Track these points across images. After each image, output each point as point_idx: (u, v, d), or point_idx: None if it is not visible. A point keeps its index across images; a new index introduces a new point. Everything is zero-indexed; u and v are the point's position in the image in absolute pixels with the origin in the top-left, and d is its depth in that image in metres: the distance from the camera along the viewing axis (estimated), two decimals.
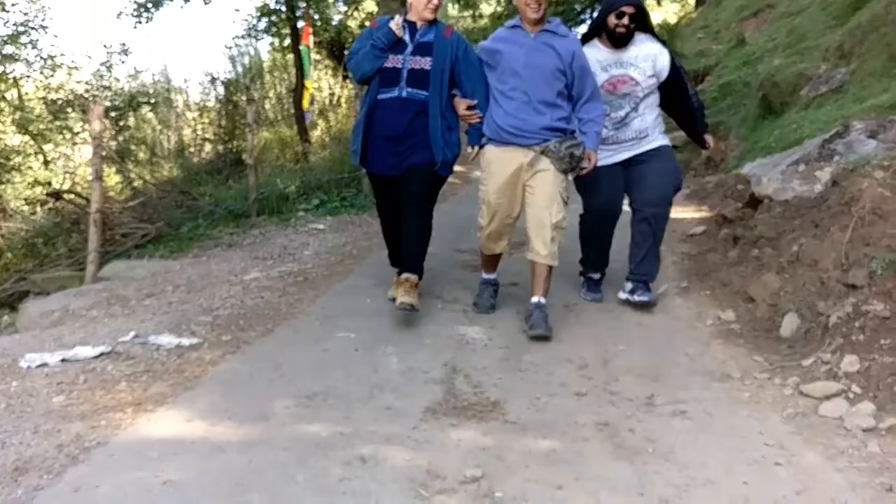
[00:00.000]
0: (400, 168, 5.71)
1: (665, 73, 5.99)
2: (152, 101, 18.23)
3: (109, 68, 17.04)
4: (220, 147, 18.11)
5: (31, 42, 17.02)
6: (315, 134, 17.66)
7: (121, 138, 16.37)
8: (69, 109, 16.04)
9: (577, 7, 29.10)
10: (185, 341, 5.38)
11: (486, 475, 3.51)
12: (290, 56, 18.39)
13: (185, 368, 4.90)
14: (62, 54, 16.86)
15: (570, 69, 5.50)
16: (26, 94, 17.36)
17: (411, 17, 5.71)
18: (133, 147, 16.95)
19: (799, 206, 6.06)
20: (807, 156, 6.46)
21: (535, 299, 5.56)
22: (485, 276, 6.14)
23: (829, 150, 6.28)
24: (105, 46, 16.69)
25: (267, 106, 20.57)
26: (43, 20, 17.17)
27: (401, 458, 3.68)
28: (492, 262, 6.06)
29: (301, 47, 16.07)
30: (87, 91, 16.44)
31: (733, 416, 4.20)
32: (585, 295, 6.44)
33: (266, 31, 19.04)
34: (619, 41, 5.91)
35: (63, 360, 5.01)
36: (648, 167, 5.98)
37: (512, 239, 6.01)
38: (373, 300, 6.31)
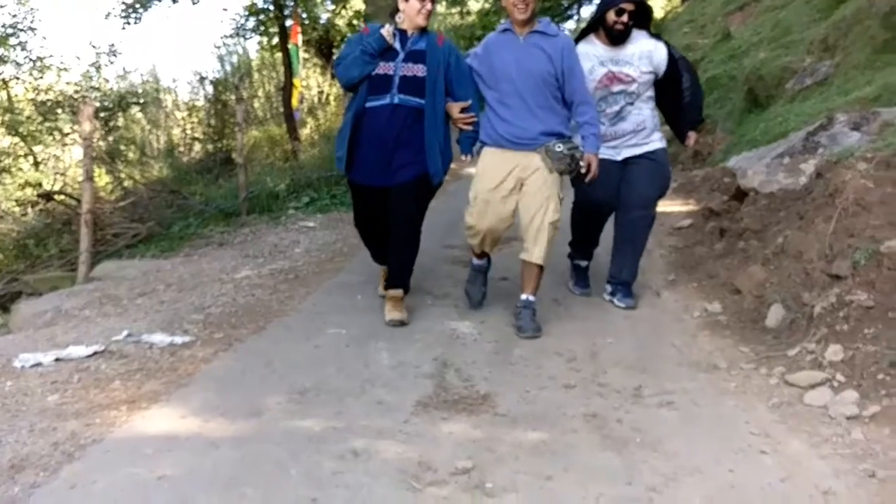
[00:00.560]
0: (387, 178, 5.65)
1: (663, 68, 5.92)
2: (141, 101, 18.20)
3: (98, 69, 17.01)
4: (210, 146, 18.12)
5: (20, 44, 17.00)
6: (304, 132, 17.69)
7: (110, 138, 16.37)
8: (59, 110, 16.01)
9: (565, 3, 29.19)
10: (178, 339, 5.42)
11: (476, 467, 3.56)
12: (279, 55, 18.39)
13: (178, 366, 4.94)
14: (51, 56, 16.82)
15: (560, 70, 5.45)
16: (16, 95, 17.33)
17: (402, 25, 5.63)
18: (122, 147, 16.94)
19: (784, 198, 6.13)
20: (791, 148, 6.54)
21: (524, 297, 5.60)
22: (475, 262, 6.04)
23: (813, 143, 6.35)
24: (94, 47, 16.65)
25: (256, 105, 20.60)
26: (32, 22, 17.16)
27: (393, 451, 3.73)
28: (481, 253, 5.98)
29: (289, 46, 16.08)
30: (76, 92, 16.42)
31: (720, 405, 4.26)
32: (574, 288, 6.48)
33: (254, 30, 19.02)
34: (617, 38, 5.84)
35: (57, 360, 5.04)
36: (639, 168, 5.98)
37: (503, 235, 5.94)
38: (363, 297, 6.35)
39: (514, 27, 5.53)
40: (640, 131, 5.99)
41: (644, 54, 5.88)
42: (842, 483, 3.38)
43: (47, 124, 15.97)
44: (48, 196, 11.06)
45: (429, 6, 5.55)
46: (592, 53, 5.86)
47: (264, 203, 11.00)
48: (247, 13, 18.27)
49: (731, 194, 7.52)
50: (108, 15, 16.22)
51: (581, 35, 6.04)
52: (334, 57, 5.93)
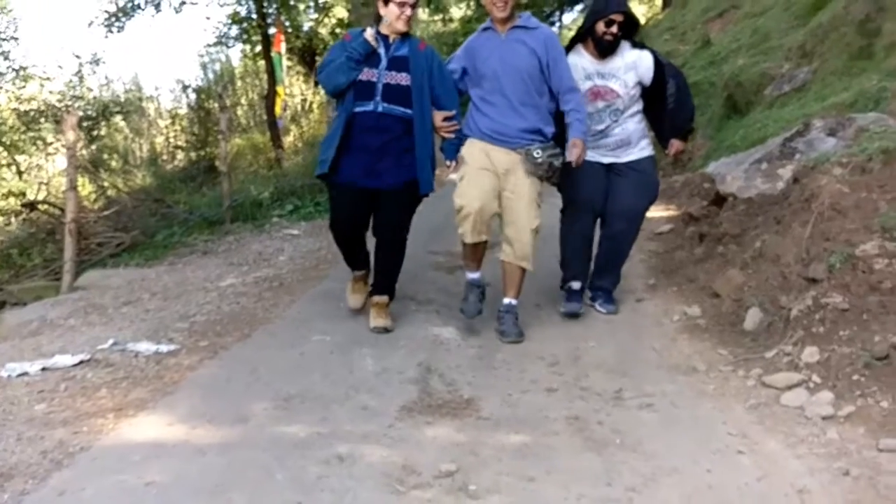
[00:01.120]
0: (374, 181, 5.59)
1: (650, 76, 5.86)
2: (125, 110, 18.19)
3: (81, 79, 17.00)
4: (193, 154, 18.15)
5: (2, 53, 16.99)
6: (288, 140, 17.75)
7: (93, 147, 16.35)
8: (42, 120, 16.00)
9: (547, 9, 29.28)
10: (164, 348, 5.46)
11: (460, 469, 3.62)
12: (262, 63, 18.42)
13: (163, 374, 4.98)
14: (34, 65, 16.76)
15: (545, 62, 5.44)
16: None
17: (383, 29, 5.58)
18: (106, 156, 16.94)
19: (762, 203, 6.20)
20: (769, 154, 6.61)
21: (507, 300, 5.66)
22: (469, 275, 5.78)
23: (790, 149, 6.42)
24: (77, 57, 16.63)
25: (239, 112, 20.64)
26: (14, 31, 17.16)
27: (377, 455, 3.79)
28: (475, 255, 5.70)
29: (273, 54, 16.15)
30: (59, 101, 16.41)
31: (698, 407, 4.34)
32: (563, 307, 6.12)
33: (237, 38, 19.04)
34: (606, 49, 5.81)
35: (43, 369, 5.07)
36: (626, 180, 5.95)
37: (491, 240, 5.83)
38: (347, 304, 6.38)
39: (495, 25, 5.55)
40: (625, 145, 5.97)
41: (629, 66, 5.84)
42: (816, 481, 3.45)
43: (31, 134, 15.94)
44: (32, 206, 11.05)
45: (408, 11, 5.50)
46: (580, 65, 5.82)
47: (248, 211, 11.03)
48: (230, 21, 18.30)
49: (710, 199, 7.59)
50: (90, 24, 16.24)
51: (569, 45, 5.99)
52: (318, 65, 5.87)
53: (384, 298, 5.83)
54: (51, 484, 3.55)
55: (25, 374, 5.02)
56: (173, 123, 19.74)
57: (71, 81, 16.90)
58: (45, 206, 10.98)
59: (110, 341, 5.56)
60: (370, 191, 5.61)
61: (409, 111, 5.56)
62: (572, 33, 6.13)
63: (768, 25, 12.81)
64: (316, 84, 18.07)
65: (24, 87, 16.92)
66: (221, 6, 18.35)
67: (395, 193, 5.64)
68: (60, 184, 13.77)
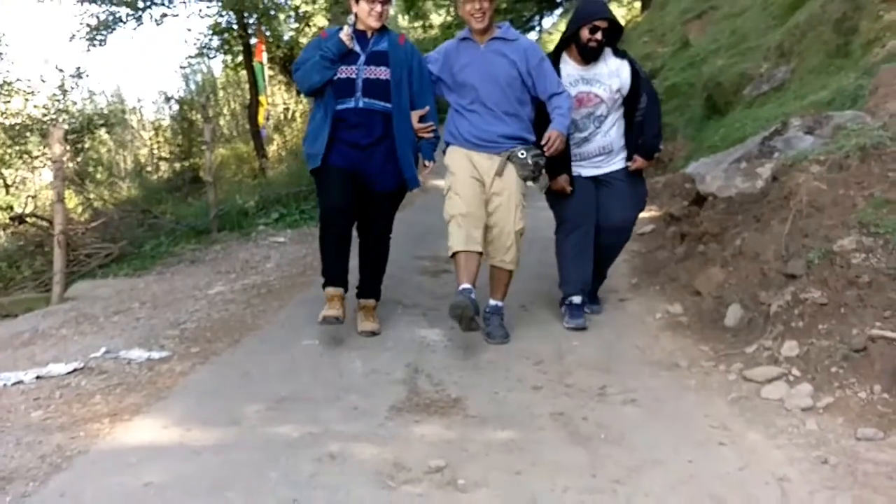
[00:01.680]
0: (362, 174, 5.58)
1: (627, 87, 5.87)
2: (109, 122, 18.19)
3: (65, 92, 16.96)
4: (177, 165, 18.18)
5: None
6: (271, 149, 17.79)
7: (79, 159, 16.35)
8: (28, 133, 15.98)
9: (526, 14, 29.37)
10: (155, 354, 5.53)
11: (449, 465, 3.70)
12: (244, 73, 18.44)
13: (156, 380, 5.05)
14: (18, 80, 16.69)
15: (526, 71, 5.47)
16: None
17: (360, 26, 5.58)
18: (91, 169, 16.95)
19: (742, 201, 6.29)
20: (748, 153, 6.70)
21: (493, 302, 5.73)
22: (461, 287, 5.31)
23: (769, 147, 6.50)
24: (60, 70, 16.57)
25: (222, 122, 20.67)
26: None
27: (368, 453, 3.87)
28: (469, 265, 5.38)
29: (254, 64, 16.17)
30: (44, 115, 16.39)
31: (681, 401, 4.44)
32: (568, 322, 5.91)
33: (219, 49, 19.03)
34: (590, 56, 5.80)
35: (38, 378, 5.14)
36: (614, 191, 5.95)
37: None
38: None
39: (474, 36, 5.57)
40: (608, 153, 5.98)
41: (613, 73, 5.85)
42: (796, 470, 3.56)
43: (17, 148, 15.94)
44: (20, 219, 11.08)
45: (378, 7, 5.47)
46: (564, 73, 5.82)
47: (234, 220, 11.09)
48: (211, 32, 18.29)
49: (691, 199, 7.66)
50: (72, 38, 16.21)
51: (555, 53, 5.96)
52: (293, 69, 5.83)
53: (371, 302, 5.91)
54: (51, 486, 3.62)
55: (20, 382, 5.08)
56: (157, 135, 19.77)
57: (55, 95, 16.86)
58: (33, 219, 11.01)
59: (102, 349, 5.63)
60: (360, 181, 5.60)
61: (388, 105, 5.57)
62: (553, 37, 6.17)
63: (746, 26, 12.90)
64: (298, 93, 18.12)
65: (9, 101, 16.89)
66: (202, 17, 18.26)
67: (385, 195, 5.73)
68: (47, 197, 13.83)
